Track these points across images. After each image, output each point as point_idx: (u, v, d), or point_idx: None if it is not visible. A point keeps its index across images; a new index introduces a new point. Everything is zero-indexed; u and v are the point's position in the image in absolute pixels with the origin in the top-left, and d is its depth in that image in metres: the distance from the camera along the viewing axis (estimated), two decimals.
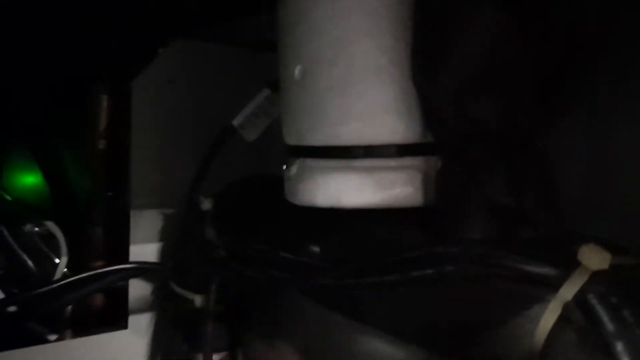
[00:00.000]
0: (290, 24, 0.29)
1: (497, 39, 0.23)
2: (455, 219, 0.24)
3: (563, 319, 0.18)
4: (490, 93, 0.24)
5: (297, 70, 0.28)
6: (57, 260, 0.44)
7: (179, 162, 0.46)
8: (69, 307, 0.43)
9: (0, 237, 0.43)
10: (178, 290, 0.40)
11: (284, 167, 0.33)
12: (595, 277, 0.18)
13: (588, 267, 0.18)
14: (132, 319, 0.45)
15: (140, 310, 0.45)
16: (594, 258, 0.18)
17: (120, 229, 0.45)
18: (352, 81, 0.26)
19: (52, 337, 0.42)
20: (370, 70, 0.26)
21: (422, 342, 0.24)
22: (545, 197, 0.25)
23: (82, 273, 0.40)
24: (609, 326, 0.17)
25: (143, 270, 0.43)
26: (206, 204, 0.37)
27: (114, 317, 0.45)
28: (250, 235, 0.35)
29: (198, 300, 0.38)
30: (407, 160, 0.27)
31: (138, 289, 0.45)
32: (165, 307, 0.45)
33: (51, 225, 0.45)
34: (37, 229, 0.45)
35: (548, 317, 0.18)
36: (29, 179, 0.52)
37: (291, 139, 0.31)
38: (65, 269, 0.44)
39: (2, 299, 0.40)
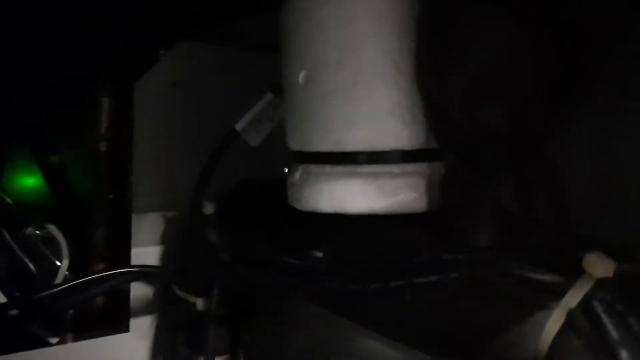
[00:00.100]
0: (295, 25, 0.29)
1: (508, 43, 0.23)
2: (462, 224, 0.24)
3: (568, 326, 0.18)
4: (501, 97, 0.24)
5: (301, 76, 0.28)
6: (58, 263, 0.44)
7: (181, 165, 0.46)
8: (71, 310, 0.43)
9: (1, 239, 0.43)
10: (180, 293, 0.40)
11: (286, 170, 0.33)
12: (600, 284, 0.18)
13: (593, 274, 0.18)
14: (134, 322, 0.45)
15: (142, 313, 0.45)
16: (598, 265, 0.18)
17: (121, 231, 0.45)
18: (357, 86, 0.26)
19: (54, 340, 0.42)
20: (375, 75, 0.26)
21: (426, 347, 0.24)
22: (554, 201, 0.25)
23: (83, 276, 0.40)
24: (614, 334, 0.17)
25: (146, 273, 0.43)
26: (209, 208, 0.37)
27: (115, 320, 0.45)
28: (253, 239, 0.36)
29: (200, 303, 0.38)
30: (411, 167, 0.27)
31: (139, 292, 0.45)
32: (167, 310, 0.45)
33: (52, 228, 0.45)
34: (38, 231, 0.45)
35: (553, 324, 0.19)
36: (30, 181, 0.52)
37: (295, 145, 0.31)
38: (67, 272, 0.44)
39: (5, 303, 0.40)
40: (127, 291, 0.44)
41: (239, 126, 0.38)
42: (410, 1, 0.26)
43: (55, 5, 0.38)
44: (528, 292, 0.20)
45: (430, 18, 0.25)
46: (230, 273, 0.36)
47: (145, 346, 0.45)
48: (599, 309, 0.17)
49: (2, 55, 0.42)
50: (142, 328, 0.45)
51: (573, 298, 0.18)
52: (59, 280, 0.43)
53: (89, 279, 0.40)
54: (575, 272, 0.19)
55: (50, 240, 0.45)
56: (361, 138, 0.27)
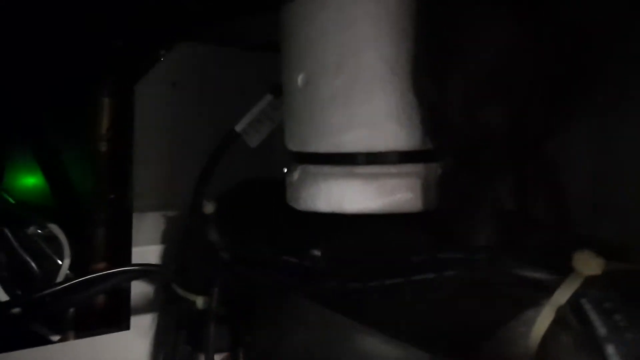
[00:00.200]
0: (294, 29, 0.29)
1: (508, 44, 0.24)
2: (462, 225, 0.24)
3: (557, 323, 0.19)
4: (500, 98, 0.24)
5: (300, 78, 0.29)
6: (59, 262, 0.45)
7: (182, 165, 0.46)
8: (72, 309, 0.43)
9: (3, 239, 0.44)
10: (180, 291, 0.40)
11: (285, 170, 0.33)
12: (589, 282, 0.18)
13: (581, 272, 0.19)
14: (135, 320, 0.45)
15: (142, 312, 0.45)
16: (587, 264, 0.19)
17: (122, 230, 0.45)
18: (355, 89, 0.27)
19: (55, 338, 0.42)
20: (374, 79, 0.27)
21: (422, 344, 0.25)
22: (553, 201, 0.25)
23: (84, 275, 0.41)
24: (601, 330, 0.17)
25: (147, 272, 0.43)
26: (209, 207, 0.38)
27: (116, 318, 0.45)
28: (253, 238, 0.36)
29: (200, 301, 0.39)
30: (408, 167, 0.27)
31: (140, 290, 0.45)
32: (167, 308, 0.45)
33: (54, 227, 0.45)
34: (40, 231, 0.46)
35: (543, 321, 0.19)
36: (31, 181, 0.52)
37: (294, 146, 0.31)
38: (68, 271, 0.45)
39: (6, 301, 0.40)
40: (128, 290, 0.45)
41: (238, 127, 0.38)
42: (409, 6, 0.26)
43: (56, 5, 0.38)
44: (521, 290, 0.21)
45: (430, 20, 0.26)
46: (230, 272, 0.36)
47: (146, 344, 0.45)
48: (587, 306, 0.18)
49: (3, 55, 0.43)
50: (142, 326, 0.45)
51: (562, 295, 0.19)
52: (60, 279, 0.44)
53: (90, 278, 0.41)
54: (566, 270, 0.19)
55: (52, 239, 0.45)
56: (359, 139, 0.27)
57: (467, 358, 0.22)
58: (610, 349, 0.17)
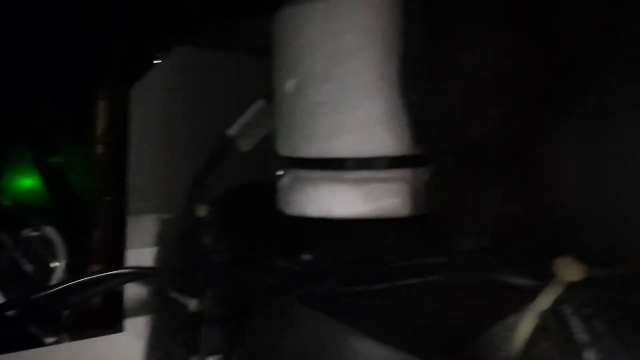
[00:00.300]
0: (285, 38, 0.30)
1: (503, 52, 0.24)
2: (451, 229, 0.25)
3: (539, 328, 0.19)
4: (496, 103, 0.25)
5: (290, 85, 0.29)
6: (55, 264, 0.45)
7: (177, 168, 0.46)
8: (67, 311, 0.43)
9: None
10: (174, 294, 0.41)
11: (277, 174, 0.34)
12: (570, 288, 0.19)
13: (563, 278, 0.19)
14: (129, 322, 0.45)
15: (137, 313, 0.46)
16: (568, 270, 0.19)
17: (118, 233, 0.45)
18: (344, 97, 0.27)
19: (50, 340, 0.42)
20: (362, 86, 0.27)
21: (409, 347, 0.25)
22: (543, 206, 0.26)
23: (79, 277, 0.41)
24: (582, 336, 0.18)
25: (141, 274, 0.44)
26: (202, 211, 0.38)
27: (110, 320, 0.45)
28: (246, 242, 0.36)
29: (194, 304, 0.39)
30: (397, 172, 0.28)
31: (135, 292, 0.46)
32: (162, 310, 0.45)
33: (49, 230, 0.46)
34: (35, 233, 0.46)
35: (525, 326, 0.19)
36: (28, 182, 0.52)
37: (284, 150, 0.31)
38: (63, 273, 0.45)
39: (2, 303, 0.41)
40: (121, 291, 0.45)
41: (231, 131, 0.39)
42: (395, 16, 0.26)
43: (56, 5, 0.39)
44: (504, 295, 0.21)
45: (421, 30, 0.26)
46: (224, 275, 0.37)
47: (140, 346, 0.46)
48: (568, 311, 0.18)
49: (3, 55, 0.43)
50: (137, 328, 0.45)
51: (544, 301, 0.19)
52: (55, 281, 0.44)
53: (85, 280, 0.41)
54: (551, 276, 0.19)
55: (47, 241, 0.46)
56: (348, 145, 0.28)
57: None
58: (590, 355, 0.17)
